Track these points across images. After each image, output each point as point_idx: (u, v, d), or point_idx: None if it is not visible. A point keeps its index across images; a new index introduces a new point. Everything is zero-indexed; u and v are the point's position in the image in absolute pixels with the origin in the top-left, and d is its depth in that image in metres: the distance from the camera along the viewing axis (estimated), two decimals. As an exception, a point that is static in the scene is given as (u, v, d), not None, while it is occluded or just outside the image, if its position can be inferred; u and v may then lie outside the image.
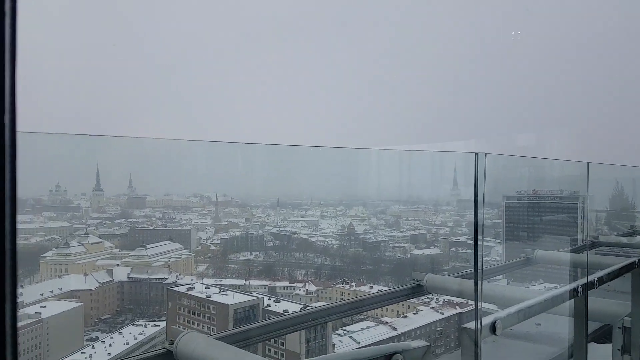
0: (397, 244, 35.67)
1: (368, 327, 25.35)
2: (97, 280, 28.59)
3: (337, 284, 32.50)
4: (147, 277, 30.24)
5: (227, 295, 27.18)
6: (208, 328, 24.50)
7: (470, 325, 2.20)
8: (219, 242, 35.55)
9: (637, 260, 4.04)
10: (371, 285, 30.66)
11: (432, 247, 35.08)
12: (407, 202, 37.91)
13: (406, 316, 26.47)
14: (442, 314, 25.61)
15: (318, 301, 30.12)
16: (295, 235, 36.95)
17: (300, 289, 32.09)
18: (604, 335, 4.14)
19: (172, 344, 2.70)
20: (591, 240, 5.67)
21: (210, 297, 26.45)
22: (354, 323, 25.25)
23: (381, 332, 25.08)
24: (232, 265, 35.02)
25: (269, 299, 29.04)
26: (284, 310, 25.05)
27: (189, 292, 27.03)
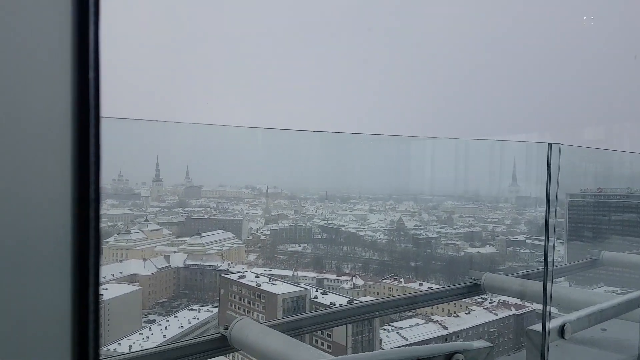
0: (450, 241, 34.75)
1: (417, 325, 24.92)
2: (155, 266, 29.98)
3: (385, 279, 32.19)
4: (202, 264, 31.37)
5: (276, 285, 27.61)
6: (257, 316, 25.04)
7: (537, 327, 2.08)
8: (268, 232, 36.22)
9: None
10: (421, 282, 30.08)
11: (488, 245, 33.85)
12: (462, 197, 36.81)
13: (458, 315, 25.76)
14: (497, 315, 24.67)
15: (365, 295, 29.99)
16: (343, 229, 36.96)
17: (347, 283, 32.11)
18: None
19: (227, 329, 2.76)
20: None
21: (260, 285, 26.95)
22: (402, 320, 24.91)
23: (430, 330, 24.59)
24: (281, 256, 35.62)
25: (317, 291, 29.29)
26: (330, 303, 25.20)
27: (240, 280, 27.66)
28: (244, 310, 26.02)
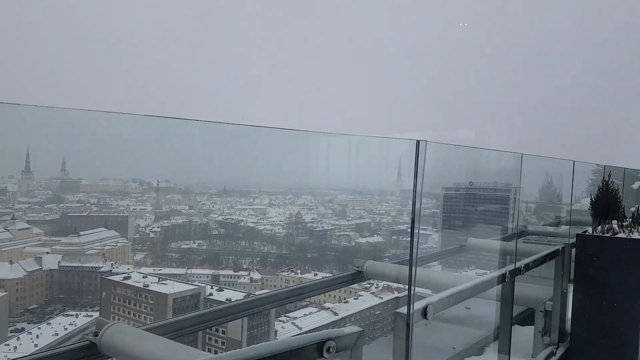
0: (343, 232, 36.27)
1: (311, 313, 25.70)
2: (24, 269, 26.86)
3: (282, 271, 32.60)
4: (80, 265, 28.81)
5: (166, 284, 26.59)
6: (145, 318, 23.83)
7: (403, 310, 2.24)
8: (159, 229, 34.48)
9: (560, 248, 4.31)
10: (316, 272, 31.01)
11: (375, 235, 36.01)
12: (355, 191, 38.60)
13: (347, 301, 27.09)
14: (381, 298, 26.44)
15: (262, 289, 30.09)
16: (242, 224, 36.57)
17: (244, 278, 31.90)
18: (527, 318, 4.40)
19: (97, 335, 2.55)
20: (520, 230, 5.99)
21: (147, 286, 25.76)
22: (297, 310, 25.49)
23: (323, 318, 25.52)
24: (173, 254, 34.17)
25: (212, 288, 28.70)
26: (226, 299, 24.80)
27: (125, 282, 26.18)
28: (129, 314, 24.52)
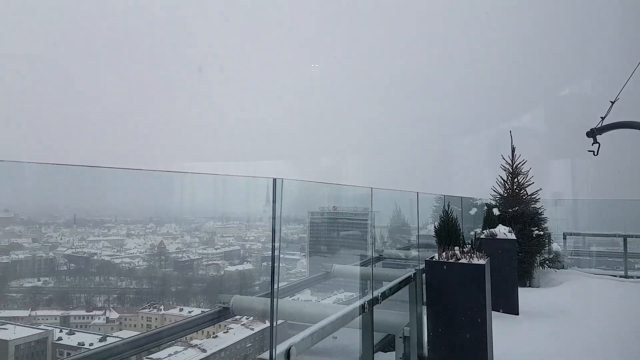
0: (211, 262, 34.86)
1: (176, 353, 23.92)
2: None
3: (144, 308, 29.93)
4: None
5: (6, 329, 22.62)
6: (-25, 375, 19.81)
7: (266, 355, 2.18)
8: (-5, 267, 29.27)
9: (412, 275, 4.69)
10: (181, 307, 29.10)
11: (245, 262, 35.39)
12: (222, 218, 37.56)
13: (217, 336, 25.83)
14: (252, 329, 25.79)
15: (121, 329, 27.18)
16: (96, 257, 32.80)
17: (99, 318, 28.49)
18: (389, 344, 4.65)
19: None
20: (378, 254, 6.41)
21: (-20, 334, 21.60)
22: (162, 350, 23.56)
23: (190, 356, 23.97)
24: (14, 294, 29.16)
25: (61, 332, 25.18)
26: (79, 343, 21.98)
27: (-55, 332, 21.57)
28: (-49, 371, 20.18)
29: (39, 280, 30.54)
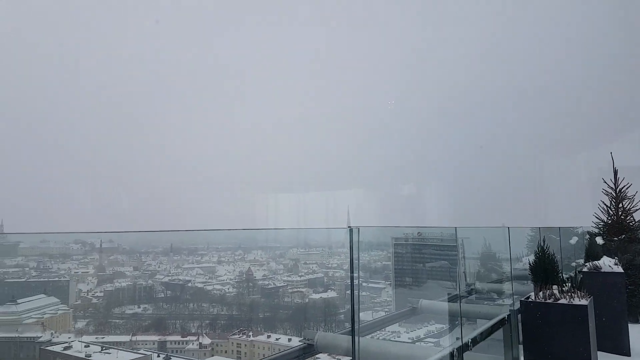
0: (296, 289, 35.38)
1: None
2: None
3: (234, 334, 31.03)
4: (17, 336, 26.25)
5: (109, 353, 24.66)
6: (86, 394, 21.79)
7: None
8: (102, 294, 32.21)
9: (506, 317, 4.34)
10: (269, 334, 29.72)
11: (329, 290, 35.39)
12: (305, 244, 38.19)
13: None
14: (341, 364, 25.49)
15: (212, 355, 28.37)
16: (190, 284, 34.87)
17: (193, 343, 30.03)
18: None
19: None
20: (469, 287, 6.06)
21: (90, 356, 23.82)
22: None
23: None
24: (117, 320, 31.87)
25: (158, 356, 26.89)
26: (175, 368, 23.38)
27: (65, 352, 24.10)
28: (70, 388, 22.42)
29: (139, 307, 33.02)
